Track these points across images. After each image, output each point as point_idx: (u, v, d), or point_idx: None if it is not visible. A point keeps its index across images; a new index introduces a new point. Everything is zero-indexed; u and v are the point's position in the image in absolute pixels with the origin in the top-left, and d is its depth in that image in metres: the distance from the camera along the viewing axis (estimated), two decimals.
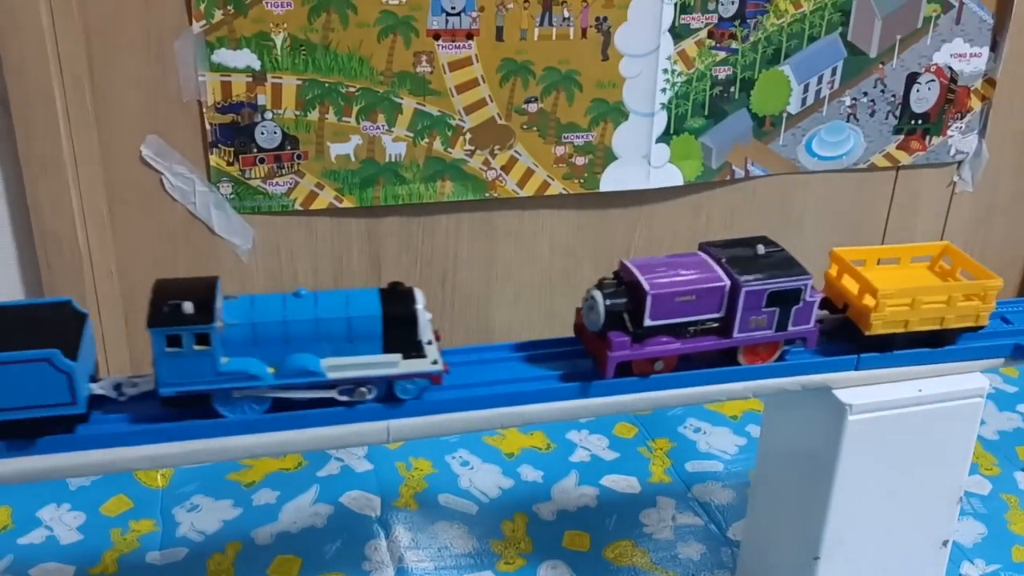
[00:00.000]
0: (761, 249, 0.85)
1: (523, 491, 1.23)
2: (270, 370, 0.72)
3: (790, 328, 0.83)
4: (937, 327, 0.88)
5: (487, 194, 1.31)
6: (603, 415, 0.86)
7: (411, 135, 1.25)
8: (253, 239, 1.25)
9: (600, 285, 0.81)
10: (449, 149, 1.27)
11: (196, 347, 0.69)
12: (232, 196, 1.22)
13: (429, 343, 0.77)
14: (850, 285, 0.89)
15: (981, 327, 0.90)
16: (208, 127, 1.17)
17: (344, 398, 0.74)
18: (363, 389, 0.75)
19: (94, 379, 0.74)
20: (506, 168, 1.30)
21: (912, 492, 0.93)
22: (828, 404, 0.88)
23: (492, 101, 1.25)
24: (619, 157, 1.33)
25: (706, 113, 1.34)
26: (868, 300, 0.86)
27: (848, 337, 0.88)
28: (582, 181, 1.33)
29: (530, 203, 1.34)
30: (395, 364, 0.74)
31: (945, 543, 0.97)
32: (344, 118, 1.21)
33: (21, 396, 0.68)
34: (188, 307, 0.69)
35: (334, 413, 0.76)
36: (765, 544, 1.02)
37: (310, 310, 0.73)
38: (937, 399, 0.89)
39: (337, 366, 0.73)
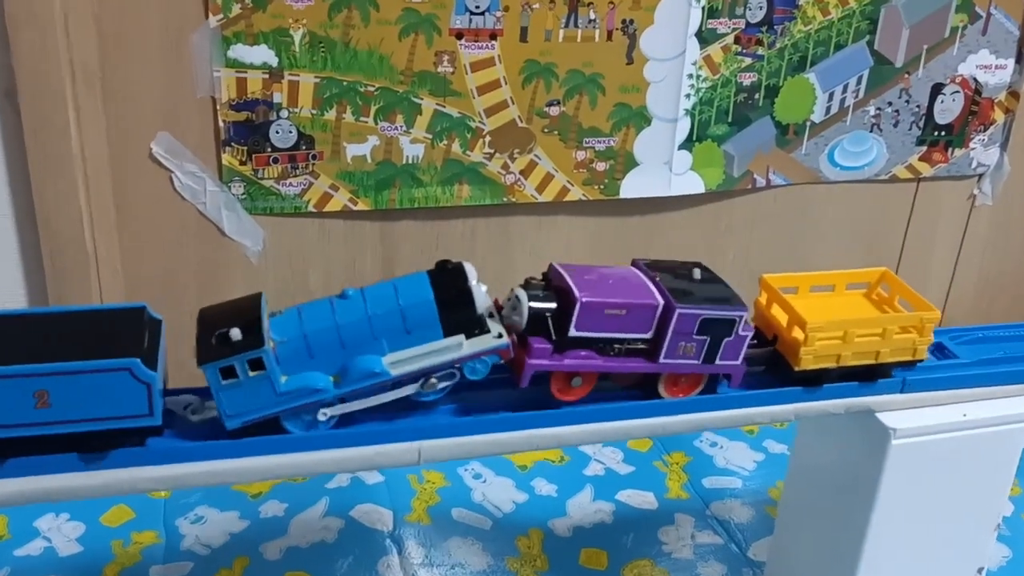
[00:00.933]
0: (697, 274, 0.80)
1: (538, 506, 1.19)
2: (333, 379, 0.69)
3: (718, 361, 0.78)
4: (872, 361, 0.83)
5: (505, 199, 1.27)
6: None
7: (430, 137, 1.21)
8: (264, 241, 1.21)
9: (526, 285, 0.75)
10: (468, 152, 1.23)
11: (252, 374, 0.67)
12: (244, 196, 1.18)
13: (491, 316, 0.73)
14: (779, 315, 0.84)
15: (918, 361, 0.85)
16: (221, 125, 1.13)
17: (416, 394, 0.71)
18: (433, 380, 0.71)
19: (167, 391, 0.71)
20: (525, 172, 1.26)
21: (951, 518, 0.90)
22: (870, 427, 0.85)
23: (513, 103, 1.22)
24: (640, 163, 1.30)
25: (730, 120, 1.31)
26: (797, 333, 0.81)
27: (779, 371, 0.83)
28: (602, 187, 1.30)
29: (548, 209, 1.30)
30: (459, 346, 0.71)
31: (980, 570, 0.94)
32: (362, 118, 1.17)
33: (98, 407, 0.65)
34: (236, 334, 0.66)
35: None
36: (793, 567, 0.99)
37: (360, 309, 0.69)
38: (982, 424, 0.86)
39: (400, 361, 0.70)
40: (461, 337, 0.71)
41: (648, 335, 0.76)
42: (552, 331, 0.73)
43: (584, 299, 0.72)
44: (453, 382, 0.72)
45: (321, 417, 0.70)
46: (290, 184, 1.19)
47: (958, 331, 0.94)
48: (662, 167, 1.31)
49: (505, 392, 0.77)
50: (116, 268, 1.15)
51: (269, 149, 1.16)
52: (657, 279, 0.77)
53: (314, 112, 1.16)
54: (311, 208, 1.21)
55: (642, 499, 1.22)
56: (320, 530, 1.10)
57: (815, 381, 0.82)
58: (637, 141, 1.28)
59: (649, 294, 0.75)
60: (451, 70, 1.18)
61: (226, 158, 1.15)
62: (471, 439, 0.75)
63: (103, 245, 1.13)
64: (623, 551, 1.12)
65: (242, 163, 1.16)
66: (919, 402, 0.86)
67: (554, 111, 1.24)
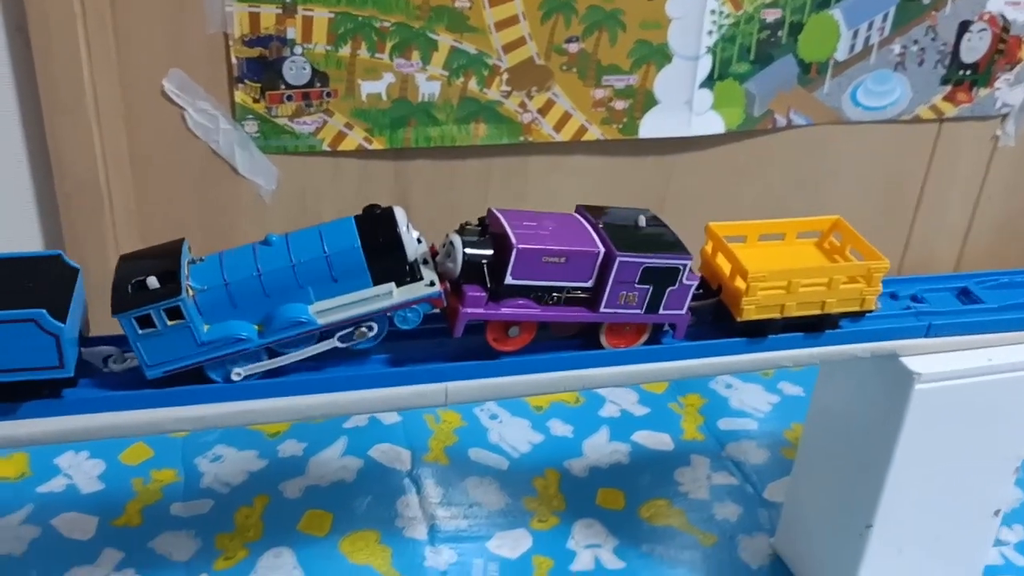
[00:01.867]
0: (642, 221, 0.77)
1: (554, 446, 1.20)
2: (257, 328, 0.67)
3: (662, 311, 0.76)
4: (817, 312, 0.81)
5: (522, 138, 1.25)
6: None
7: (446, 74, 1.18)
8: (277, 180, 1.19)
9: (461, 230, 0.71)
10: (485, 90, 1.21)
11: (170, 323, 0.64)
12: (257, 135, 1.16)
13: (425, 263, 0.71)
14: (724, 265, 0.82)
15: (867, 311, 0.83)
16: (234, 61, 1.11)
17: (344, 345, 0.69)
18: (363, 329, 0.69)
19: (85, 340, 0.69)
20: (543, 111, 1.24)
21: (970, 461, 0.90)
22: (894, 371, 0.85)
23: (532, 40, 1.19)
24: (660, 102, 1.27)
25: (752, 58, 1.28)
26: (739, 283, 0.78)
27: (723, 322, 0.80)
28: (621, 127, 1.28)
29: (565, 148, 1.28)
30: (389, 295, 0.68)
31: (997, 512, 0.95)
32: (377, 54, 1.15)
33: (6, 358, 0.63)
34: (152, 282, 0.64)
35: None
36: (810, 509, 1.00)
37: (284, 256, 0.67)
38: (1007, 369, 0.85)
39: (327, 310, 0.68)
40: (391, 285, 0.68)
41: (588, 283, 0.73)
42: (488, 279, 0.70)
43: (520, 246, 0.69)
44: (384, 332, 0.70)
45: (235, 377, 0.68)
46: (304, 122, 1.17)
47: (983, 276, 0.93)
48: (682, 106, 1.28)
49: (441, 342, 0.75)
50: (131, 209, 1.14)
51: (283, 86, 1.14)
52: (600, 226, 0.75)
53: (328, 48, 1.13)
54: (325, 147, 1.19)
55: (658, 440, 1.22)
56: (339, 469, 1.11)
57: (759, 332, 0.80)
58: (657, 79, 1.26)
59: (590, 241, 0.73)
60: (468, 5, 1.15)
61: (239, 95, 1.13)
62: (401, 390, 0.73)
63: (117, 186, 1.12)
64: (639, 491, 1.13)
65: (255, 101, 1.14)
66: (943, 347, 0.85)
67: (573, 48, 1.21)
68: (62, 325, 0.63)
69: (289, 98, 1.15)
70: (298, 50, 1.12)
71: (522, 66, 1.21)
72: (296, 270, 0.66)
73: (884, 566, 0.92)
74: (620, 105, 1.26)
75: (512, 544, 1.04)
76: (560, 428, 1.23)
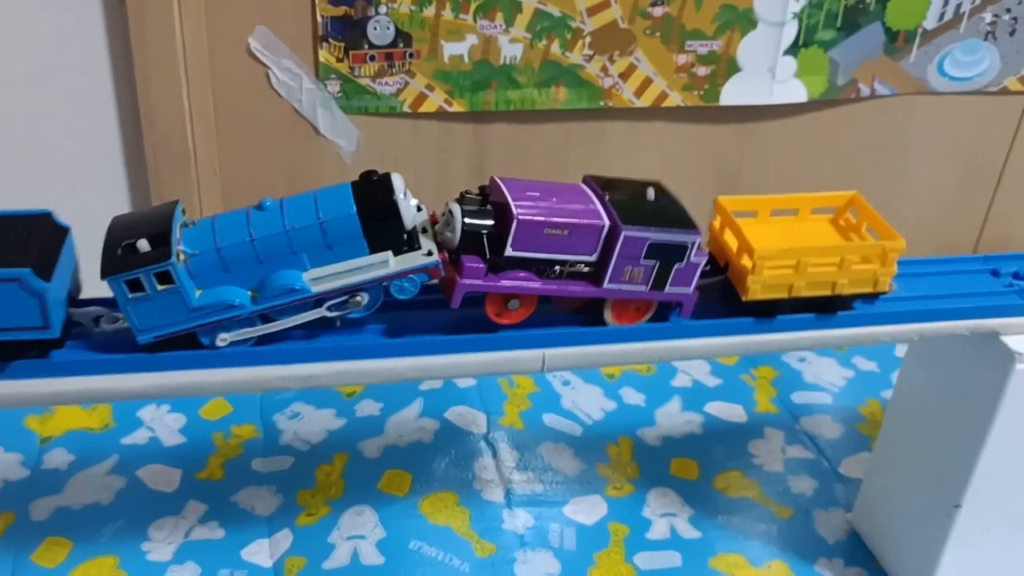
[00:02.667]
0: (651, 194, 0.74)
1: (626, 414, 1.20)
2: (251, 294, 0.66)
3: (668, 289, 0.73)
4: (828, 293, 0.77)
5: (602, 103, 1.24)
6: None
7: (529, 36, 1.17)
8: (358, 141, 1.19)
9: (461, 199, 0.69)
10: (567, 53, 1.19)
11: (160, 287, 0.63)
12: (339, 95, 1.16)
13: (424, 232, 0.69)
14: (731, 241, 0.78)
15: (880, 293, 0.79)
16: (319, 19, 1.10)
17: (335, 313, 0.68)
18: (358, 298, 0.68)
19: (75, 301, 0.68)
20: (624, 76, 1.23)
21: None
22: (993, 350, 0.83)
23: (616, 3, 1.17)
24: (743, 69, 1.25)
25: (838, 25, 1.25)
26: (746, 261, 0.75)
27: (731, 301, 0.78)
28: (702, 93, 1.26)
29: (644, 114, 1.27)
30: (385, 264, 0.67)
31: None
32: (461, 15, 1.14)
33: None
34: (143, 245, 0.63)
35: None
36: (893, 486, 0.99)
37: (277, 222, 0.65)
38: None
39: (321, 277, 0.66)
40: (388, 254, 0.67)
41: (592, 258, 0.71)
42: (487, 250, 0.68)
43: (521, 216, 0.67)
44: (378, 302, 0.69)
45: (220, 343, 0.67)
46: (386, 83, 1.16)
47: None
48: (765, 73, 1.26)
49: (440, 313, 0.73)
50: (214, 167, 1.14)
51: (366, 46, 1.13)
52: (607, 198, 0.72)
53: (413, 8, 1.12)
54: (406, 108, 1.19)
55: (731, 411, 1.21)
56: (416, 430, 1.12)
57: (766, 312, 0.78)
58: (741, 45, 1.23)
59: (595, 214, 0.70)
60: None
61: (323, 54, 1.13)
62: (399, 362, 0.71)
63: (202, 143, 1.12)
64: (713, 462, 1.13)
65: (339, 60, 1.14)
66: None
67: (657, 12, 1.19)
68: (47, 285, 0.62)
69: (372, 58, 1.14)
70: (383, 9, 1.12)
71: (605, 29, 1.19)
72: (290, 236, 0.65)
73: (970, 544, 0.91)
74: (702, 71, 1.24)
75: (588, 510, 1.04)
76: (632, 396, 1.23)
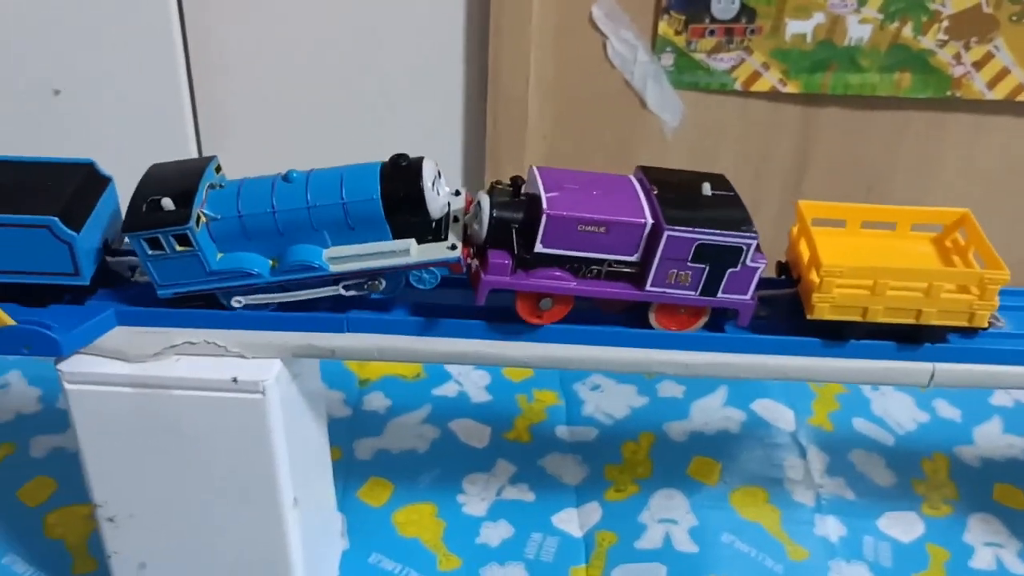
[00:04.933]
0: (707, 189, 0.67)
1: (941, 429, 1.12)
2: (272, 263, 0.65)
3: (720, 295, 0.66)
4: (911, 321, 0.68)
5: (948, 92, 1.14)
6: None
7: (880, 17, 1.10)
8: (682, 117, 1.17)
9: (491, 190, 0.65)
10: (919, 37, 1.11)
11: (179, 248, 0.63)
12: (671, 69, 1.13)
13: (456, 220, 0.65)
14: (804, 252, 0.71)
15: (978, 329, 0.69)
16: None
17: (351, 293, 0.66)
18: (375, 282, 0.65)
19: (113, 251, 0.69)
20: (978, 64, 1.13)
21: None
22: None
23: None
24: None
25: None
26: (814, 275, 0.68)
27: (795, 317, 0.70)
28: None
29: (993, 108, 1.16)
30: (406, 252, 0.63)
31: None
32: None
33: (26, 261, 0.65)
34: (168, 203, 0.62)
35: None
36: None
37: (301, 197, 0.63)
38: None
39: (340, 257, 0.64)
40: (411, 242, 0.64)
41: (634, 258, 0.65)
42: (516, 245, 0.64)
43: (551, 212, 0.62)
44: (398, 287, 0.66)
45: (235, 304, 0.67)
46: (721, 59, 1.13)
47: None
48: None
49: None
50: (544, 134, 1.15)
51: (707, 20, 1.10)
52: (654, 193, 0.65)
53: None
54: (737, 86, 1.15)
55: None
56: (722, 419, 1.09)
57: (836, 335, 0.69)
58: None
59: (637, 211, 0.64)
60: None
61: (662, 26, 1.11)
62: (423, 342, 0.69)
63: (536, 109, 1.13)
64: None
65: (677, 33, 1.11)
66: None
67: None
68: (74, 234, 0.64)
69: (711, 32, 1.11)
70: None
71: (966, 14, 1.10)
72: (311, 213, 0.63)
73: None
74: None
75: (903, 527, 0.98)
76: (947, 410, 1.15)
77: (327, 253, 0.65)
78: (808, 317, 0.69)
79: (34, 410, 1.08)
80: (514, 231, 0.64)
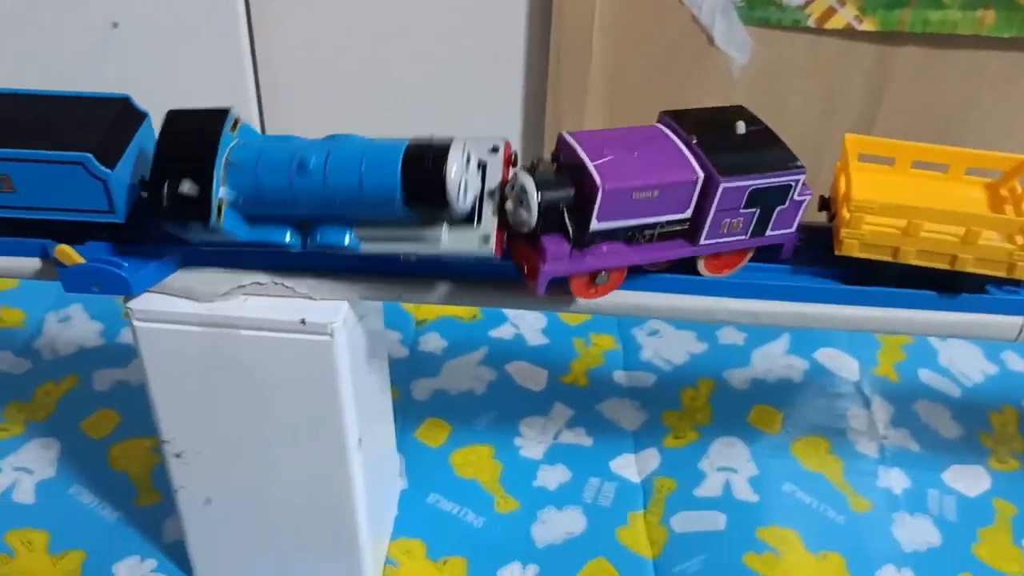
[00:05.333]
0: (741, 127, 0.63)
1: (1009, 381, 1.09)
2: (303, 228, 0.64)
3: (768, 233, 0.64)
4: (945, 267, 0.64)
5: None
6: None
7: None
8: (751, 55, 1.13)
9: (532, 169, 0.60)
10: None
11: (202, 230, 0.61)
12: (742, 3, 1.09)
13: (491, 195, 0.61)
14: (841, 187, 0.68)
15: (1017, 281, 0.65)
16: None
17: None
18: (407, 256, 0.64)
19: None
20: None
21: None
22: None
23: None
24: None
25: None
26: (844, 211, 0.65)
27: (823, 254, 0.67)
28: None
29: None
30: (437, 240, 0.61)
31: None
32: None
33: (60, 198, 0.64)
34: (188, 188, 0.59)
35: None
36: None
37: (319, 173, 0.60)
38: None
39: (371, 238, 0.62)
40: (443, 230, 0.61)
41: (686, 215, 0.62)
42: (570, 225, 0.60)
43: (608, 187, 0.58)
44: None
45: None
46: None
47: None
48: None
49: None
50: (609, 72, 1.12)
51: None
52: (693, 141, 0.61)
53: None
54: (810, 23, 1.10)
55: None
56: (785, 367, 1.07)
57: (866, 275, 0.67)
58: None
59: (685, 166, 0.61)
60: None
61: None
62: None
63: (600, 46, 1.10)
64: None
65: None
66: None
67: None
68: (108, 171, 0.62)
69: None
70: None
71: None
72: (327, 189, 0.60)
73: None
74: None
75: (969, 480, 0.96)
76: (1017, 363, 1.11)
77: (359, 231, 0.63)
78: (836, 253, 0.67)
79: (96, 344, 1.09)
80: (565, 211, 0.60)
